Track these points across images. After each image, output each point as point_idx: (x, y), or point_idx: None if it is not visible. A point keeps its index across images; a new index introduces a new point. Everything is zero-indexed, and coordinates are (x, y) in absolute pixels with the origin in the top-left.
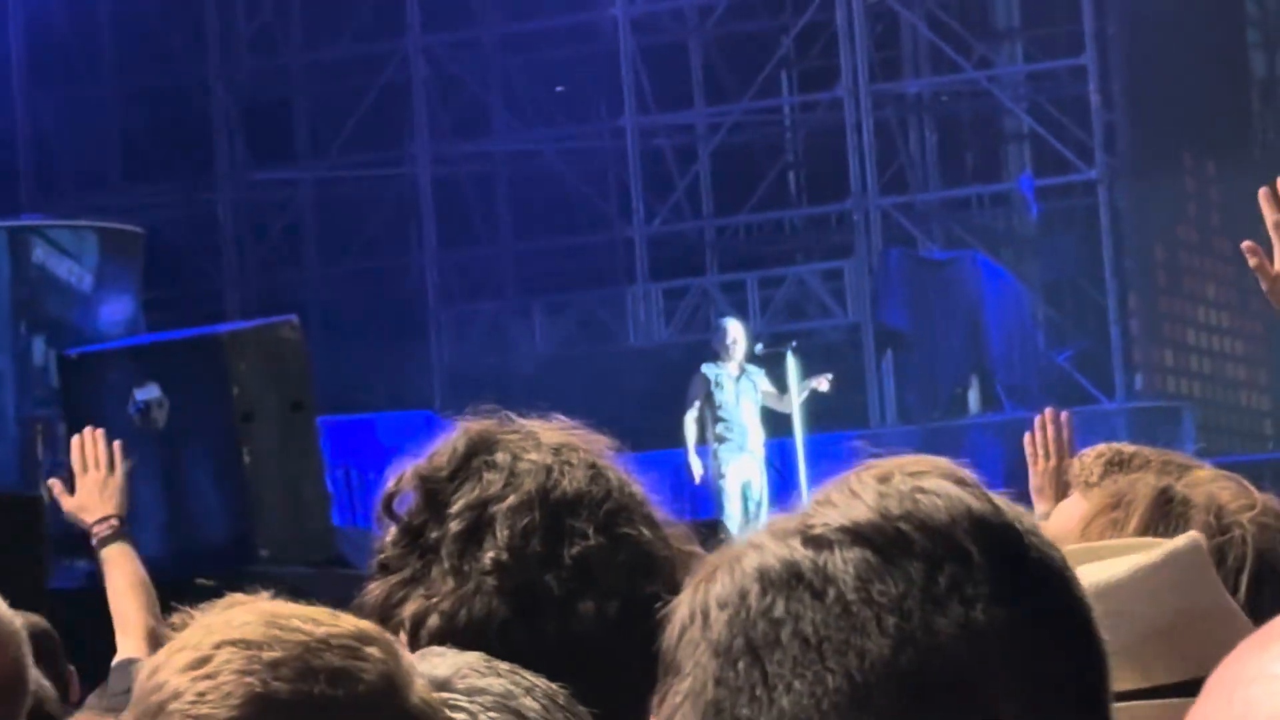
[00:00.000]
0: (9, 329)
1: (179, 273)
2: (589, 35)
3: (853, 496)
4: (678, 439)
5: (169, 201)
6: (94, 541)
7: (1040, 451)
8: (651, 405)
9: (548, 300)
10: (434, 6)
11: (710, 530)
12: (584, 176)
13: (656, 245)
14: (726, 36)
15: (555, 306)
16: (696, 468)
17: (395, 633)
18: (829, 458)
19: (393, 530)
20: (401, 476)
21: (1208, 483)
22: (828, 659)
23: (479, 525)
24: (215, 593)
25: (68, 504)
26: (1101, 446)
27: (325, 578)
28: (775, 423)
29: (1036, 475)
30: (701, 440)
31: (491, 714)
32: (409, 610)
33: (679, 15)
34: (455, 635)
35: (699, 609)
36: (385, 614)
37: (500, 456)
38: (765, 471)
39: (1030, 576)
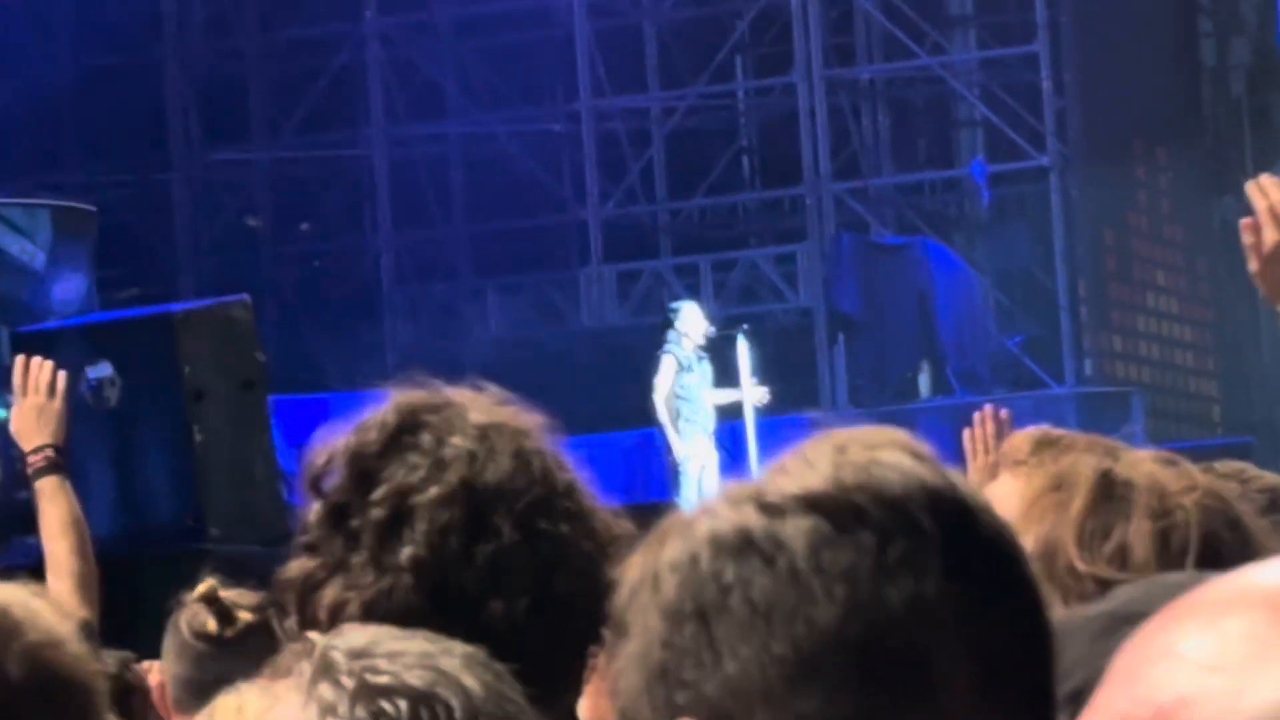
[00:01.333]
0: None
1: (133, 252)
2: (544, 19)
3: (808, 466)
4: (631, 420)
5: (123, 181)
6: (29, 471)
7: (980, 447)
8: (605, 387)
9: (501, 282)
10: None
11: (663, 512)
12: (538, 159)
13: (610, 228)
14: (681, 21)
15: (509, 288)
16: (678, 448)
17: (315, 613)
18: (779, 440)
19: (317, 508)
20: (330, 454)
21: (1148, 463)
22: (775, 626)
23: (399, 516)
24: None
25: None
26: (1031, 428)
27: (276, 556)
28: (726, 405)
29: (974, 470)
30: (658, 422)
31: (415, 672)
32: (329, 596)
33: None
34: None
35: (650, 571)
36: (305, 595)
37: (425, 438)
38: (717, 453)
39: (982, 552)
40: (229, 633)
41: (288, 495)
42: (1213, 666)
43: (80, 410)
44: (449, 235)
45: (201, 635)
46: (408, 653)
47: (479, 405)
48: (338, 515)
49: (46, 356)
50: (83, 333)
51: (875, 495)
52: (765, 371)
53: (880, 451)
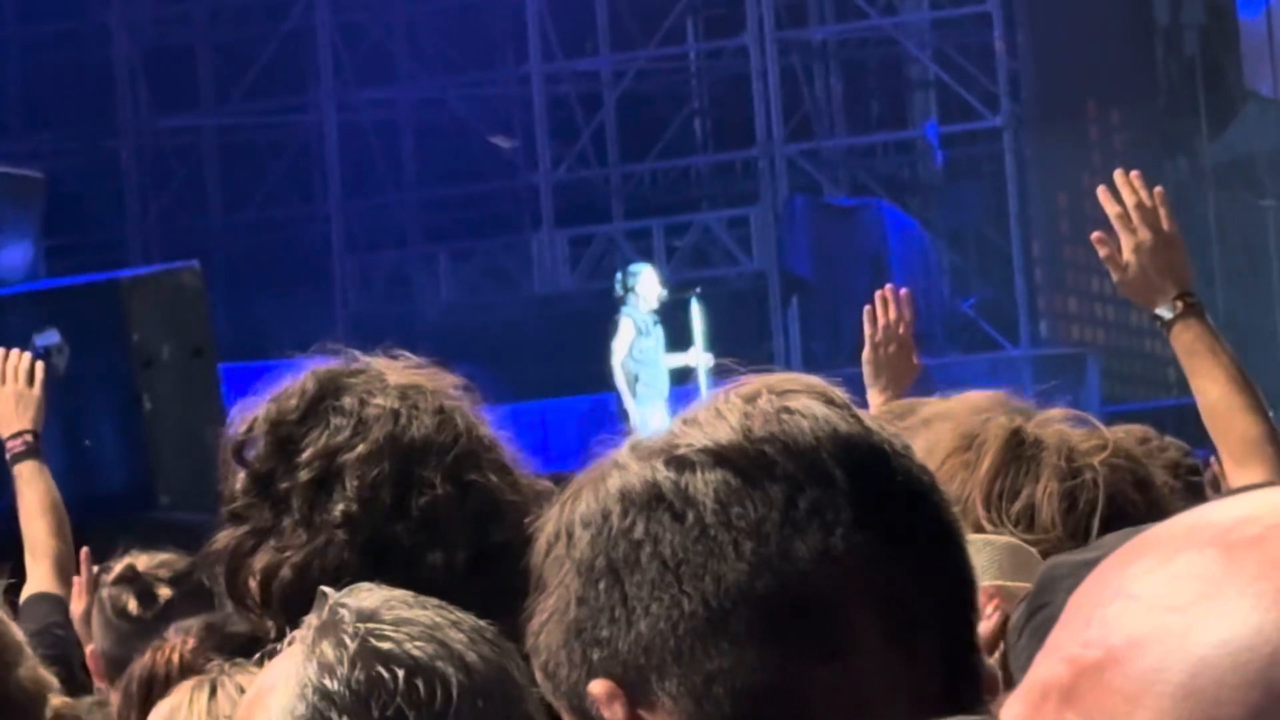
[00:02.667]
0: None
1: (81, 219)
2: None
3: (718, 417)
4: (584, 385)
5: (71, 148)
6: (7, 457)
7: (881, 334)
8: (557, 352)
9: (452, 247)
10: None
11: None
12: (489, 123)
13: (562, 192)
14: None
15: (460, 254)
16: (635, 413)
17: (245, 583)
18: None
19: (241, 477)
20: (251, 422)
21: (1058, 422)
22: (685, 582)
23: (328, 475)
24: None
25: None
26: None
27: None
28: (679, 369)
29: (871, 353)
30: (612, 388)
31: (418, 643)
32: (260, 562)
33: None
34: (308, 587)
35: (564, 527)
36: (234, 564)
37: (348, 401)
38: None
39: (895, 500)
40: (149, 614)
41: None
42: (1163, 606)
43: None
44: (399, 201)
45: (123, 614)
46: (415, 621)
47: (396, 369)
48: (263, 482)
49: None
50: (30, 300)
51: (784, 446)
52: (719, 335)
53: (792, 399)
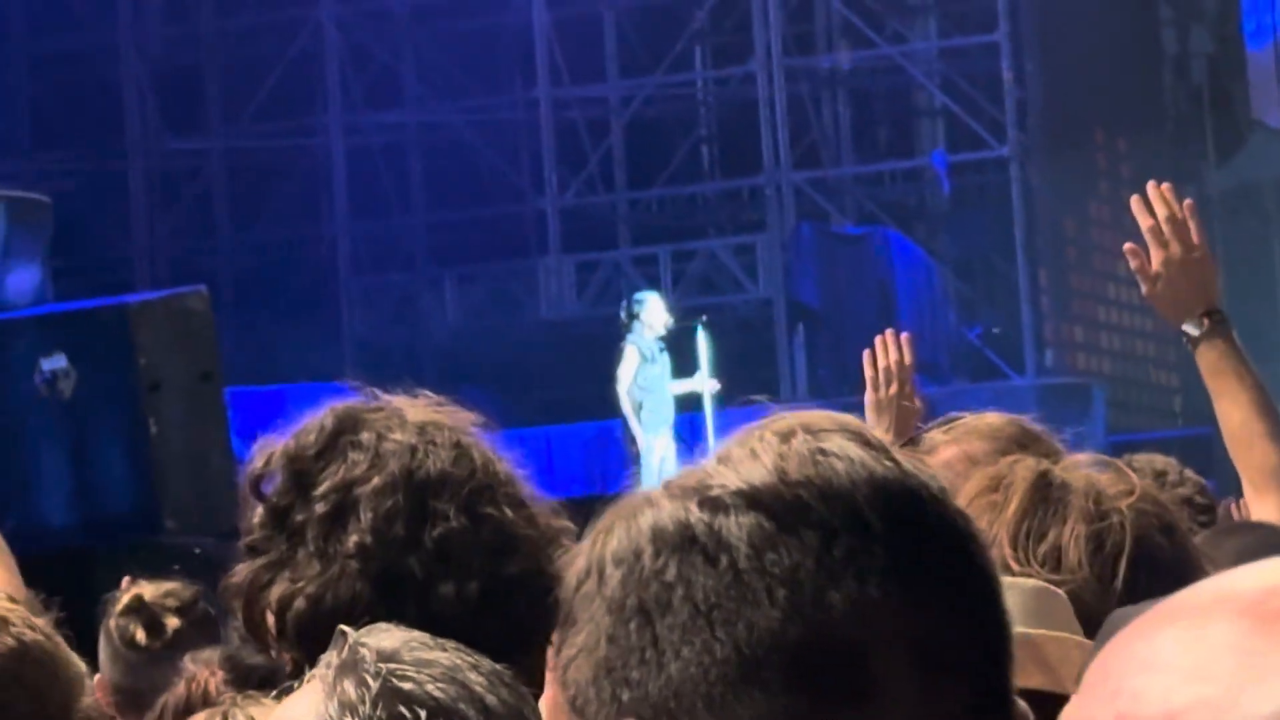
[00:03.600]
0: None
1: (88, 242)
2: (502, 6)
3: (752, 456)
4: (589, 412)
5: (78, 169)
6: None
7: (882, 377)
8: (563, 378)
9: (459, 271)
10: None
11: None
12: (496, 148)
13: (569, 218)
14: (640, 9)
15: (466, 278)
16: (641, 439)
17: (262, 615)
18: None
19: (259, 511)
20: (269, 456)
21: (1085, 466)
22: (717, 628)
23: (344, 508)
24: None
25: None
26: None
27: (232, 548)
28: (686, 397)
29: (872, 395)
30: (618, 414)
31: (440, 684)
32: (275, 594)
33: None
34: (321, 618)
35: (595, 563)
36: (251, 596)
37: (365, 436)
38: (675, 445)
39: (931, 546)
40: (157, 644)
41: None
42: (1200, 677)
43: (35, 401)
44: (406, 224)
45: (131, 644)
46: (436, 663)
47: (416, 406)
48: (280, 516)
49: (0, 348)
50: (37, 324)
51: (819, 490)
52: (725, 362)
53: (827, 439)
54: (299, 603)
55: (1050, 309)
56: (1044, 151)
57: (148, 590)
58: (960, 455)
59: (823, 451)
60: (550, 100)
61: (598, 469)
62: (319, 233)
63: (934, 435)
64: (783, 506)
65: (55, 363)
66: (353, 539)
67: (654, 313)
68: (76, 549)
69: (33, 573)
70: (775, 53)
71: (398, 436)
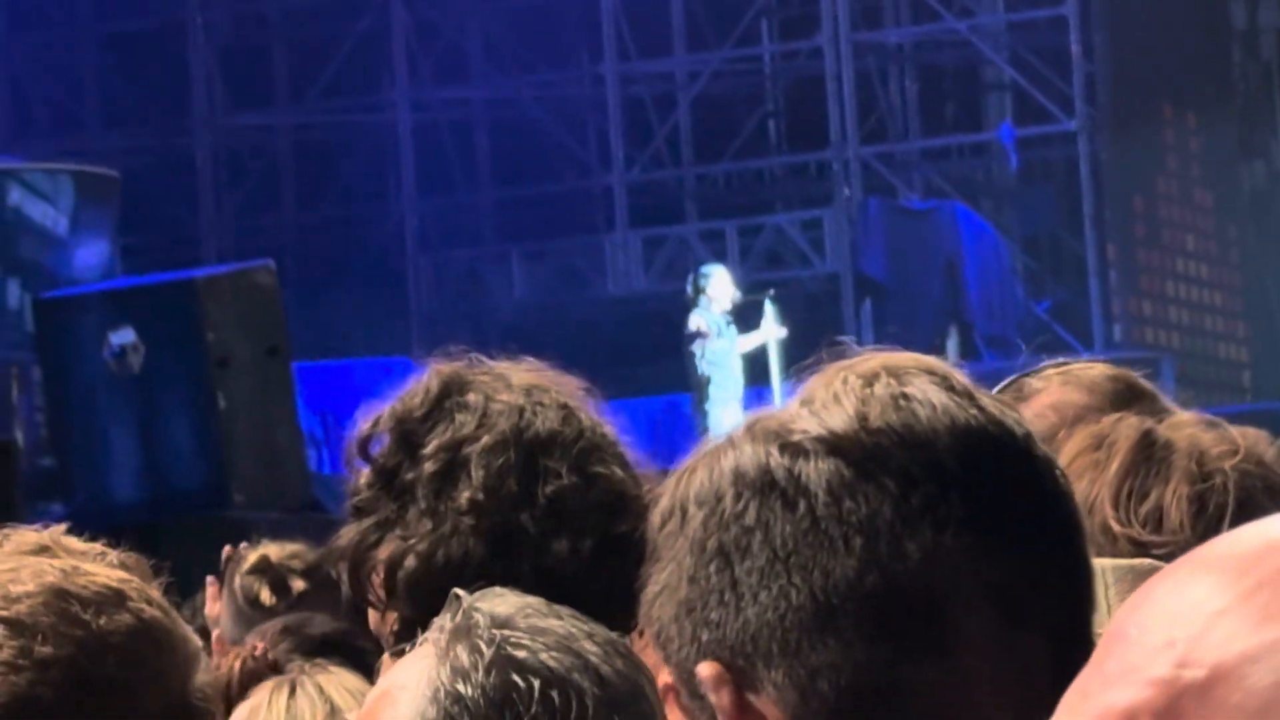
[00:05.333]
0: None
1: (155, 217)
2: None
3: (835, 401)
4: (657, 387)
5: (146, 146)
6: None
7: None
8: (630, 353)
9: (526, 247)
10: None
11: None
12: (563, 124)
13: (635, 193)
14: None
15: (533, 254)
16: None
17: (369, 576)
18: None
19: (366, 473)
20: (376, 419)
21: (1190, 426)
22: (794, 574)
23: (454, 466)
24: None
25: None
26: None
27: (299, 523)
28: (754, 371)
29: None
30: (688, 387)
31: (554, 653)
32: (385, 552)
33: None
34: (432, 576)
35: (678, 502)
36: (359, 557)
37: (473, 397)
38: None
39: (1011, 495)
40: (282, 605)
41: (312, 461)
42: (1265, 620)
43: (104, 376)
44: (473, 200)
45: (255, 603)
46: (550, 631)
47: (519, 370)
48: (388, 476)
49: (70, 323)
50: (106, 299)
51: (900, 437)
52: (792, 337)
53: (910, 383)
54: (410, 560)
55: (1118, 283)
56: (1112, 126)
57: (273, 550)
58: (1051, 405)
59: (905, 397)
60: (617, 75)
61: (665, 444)
62: (386, 209)
63: (1030, 381)
64: (862, 453)
65: (124, 337)
66: (465, 495)
67: (720, 287)
68: (145, 524)
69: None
70: (843, 27)
71: (504, 397)
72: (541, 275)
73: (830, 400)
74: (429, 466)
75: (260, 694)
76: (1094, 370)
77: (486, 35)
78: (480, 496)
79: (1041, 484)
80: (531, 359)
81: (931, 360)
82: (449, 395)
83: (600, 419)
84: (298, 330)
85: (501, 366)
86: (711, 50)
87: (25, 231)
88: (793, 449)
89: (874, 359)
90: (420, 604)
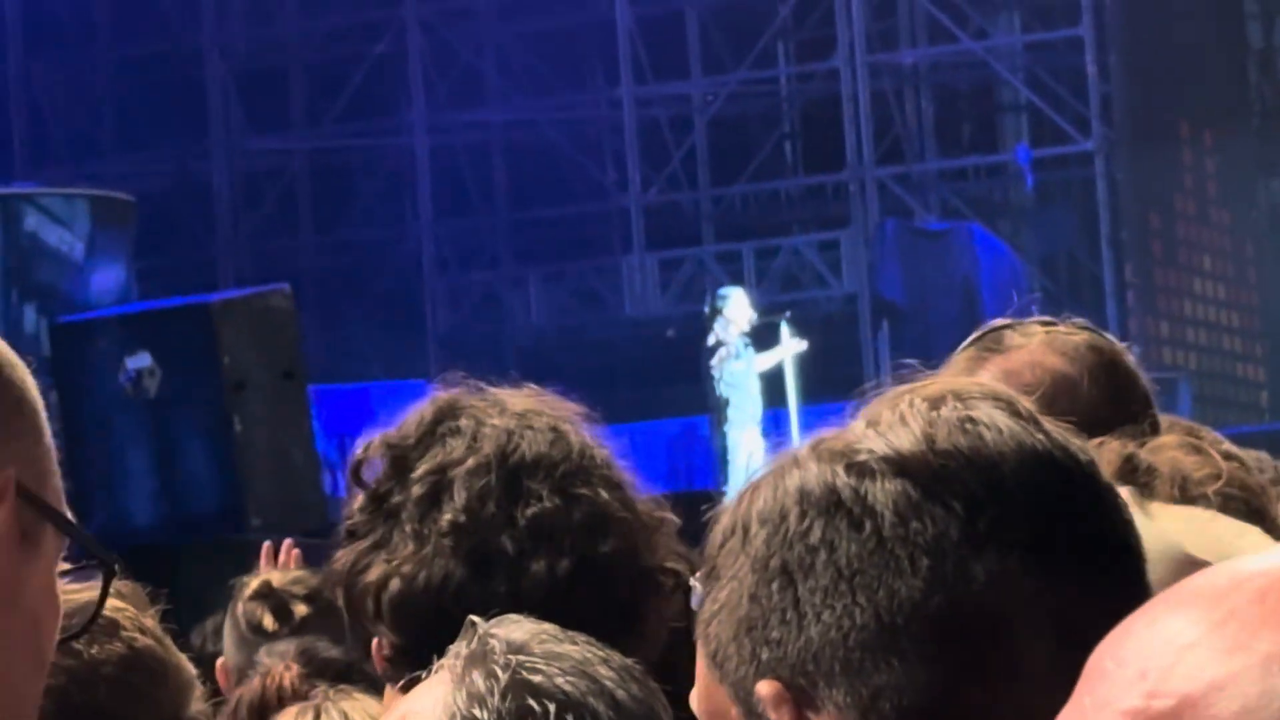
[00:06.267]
0: (0, 297)
1: (172, 241)
2: (585, 4)
3: (901, 423)
4: (674, 409)
5: (162, 169)
6: None
7: None
8: (647, 375)
9: (543, 270)
10: None
11: (706, 501)
12: (580, 146)
13: (652, 215)
14: (723, 6)
15: (551, 276)
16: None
17: (362, 599)
18: (824, 427)
19: (360, 497)
20: (369, 444)
21: (1172, 449)
22: (858, 594)
23: (439, 489)
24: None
25: None
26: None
27: (317, 547)
28: (771, 393)
29: None
30: (705, 409)
31: (570, 678)
32: (372, 575)
33: None
34: (415, 597)
35: (740, 521)
36: (351, 580)
37: (464, 422)
38: (764, 442)
39: (1076, 522)
40: (285, 630)
41: (329, 485)
42: (1233, 650)
43: (120, 400)
44: (490, 223)
45: (258, 629)
46: (566, 656)
47: (518, 396)
48: (379, 500)
49: (86, 347)
50: (122, 323)
51: (967, 460)
52: (808, 358)
53: (976, 408)
54: (394, 583)
55: (1135, 303)
56: (1129, 146)
57: (276, 576)
58: (1029, 363)
59: (971, 420)
60: (633, 98)
61: (682, 466)
62: (403, 232)
63: (1012, 334)
64: (929, 475)
65: (140, 361)
66: (446, 518)
67: (738, 309)
68: (161, 547)
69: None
70: (858, 48)
71: (496, 421)
72: (558, 297)
73: (896, 422)
74: (416, 490)
75: (285, 719)
76: (1078, 337)
77: (503, 58)
78: (461, 519)
79: (1104, 510)
80: (533, 385)
81: (996, 386)
82: (443, 420)
83: (593, 442)
84: (314, 353)
85: (502, 393)
86: (728, 72)
87: (42, 256)
88: (859, 468)
89: (938, 383)
90: (405, 626)
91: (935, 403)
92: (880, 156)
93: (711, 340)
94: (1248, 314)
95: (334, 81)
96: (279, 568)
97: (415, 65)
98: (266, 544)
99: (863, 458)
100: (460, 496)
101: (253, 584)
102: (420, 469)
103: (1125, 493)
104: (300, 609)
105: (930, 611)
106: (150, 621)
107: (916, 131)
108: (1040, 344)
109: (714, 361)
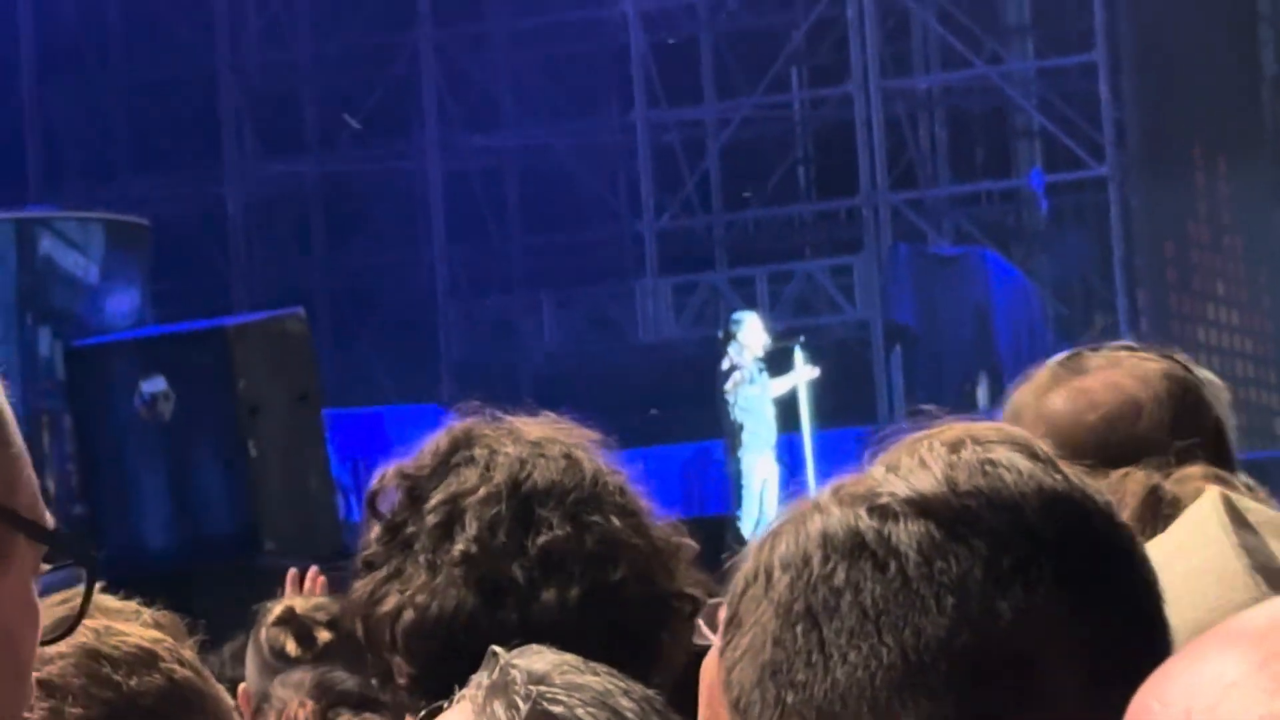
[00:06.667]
0: (15, 321)
1: (187, 265)
2: (599, 30)
3: (921, 466)
4: (687, 434)
5: (177, 193)
6: None
7: None
8: (661, 400)
9: (556, 294)
10: None
11: (720, 526)
12: (593, 171)
13: (666, 240)
14: (737, 32)
15: (564, 301)
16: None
17: (380, 629)
18: (837, 453)
19: (376, 528)
20: (385, 474)
21: (1197, 480)
22: (884, 633)
23: (452, 518)
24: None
25: None
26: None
27: (331, 570)
28: (784, 418)
29: None
30: (718, 435)
31: (590, 709)
32: (388, 606)
33: (690, 10)
34: (428, 627)
35: (763, 567)
36: (368, 611)
37: (478, 451)
38: (778, 468)
39: (1098, 560)
40: (308, 655)
41: (343, 509)
42: (1278, 689)
43: (135, 424)
44: (504, 247)
45: (281, 655)
46: (587, 687)
47: (534, 425)
48: (395, 531)
49: (101, 371)
50: (137, 346)
51: (989, 500)
52: (822, 383)
53: (994, 450)
54: (408, 613)
55: (1149, 329)
56: (1142, 171)
57: (299, 602)
58: (1106, 384)
59: (991, 462)
60: (647, 123)
61: (696, 491)
62: (416, 256)
63: (1092, 356)
64: (952, 515)
65: (155, 385)
66: (458, 548)
67: (752, 333)
68: (176, 572)
69: (133, 596)
70: (872, 73)
71: (509, 450)
72: (572, 322)
73: (916, 465)
74: (430, 520)
75: None
76: (1155, 364)
77: (517, 82)
78: (473, 548)
79: (1124, 547)
80: (550, 413)
81: (1013, 430)
82: (457, 449)
83: (607, 468)
84: (328, 377)
85: (518, 420)
86: (741, 97)
87: (57, 280)
88: (881, 511)
89: (956, 428)
90: (419, 656)
91: (954, 446)
92: (894, 181)
93: (725, 365)
94: (1261, 340)
95: (347, 105)
96: (304, 594)
97: (429, 89)
98: (292, 571)
99: (884, 500)
100: (472, 526)
101: (276, 610)
102: (434, 499)
103: (1216, 495)
104: (323, 635)
105: (958, 649)
106: (189, 652)
107: (930, 156)
108: (1117, 367)
109: (728, 386)
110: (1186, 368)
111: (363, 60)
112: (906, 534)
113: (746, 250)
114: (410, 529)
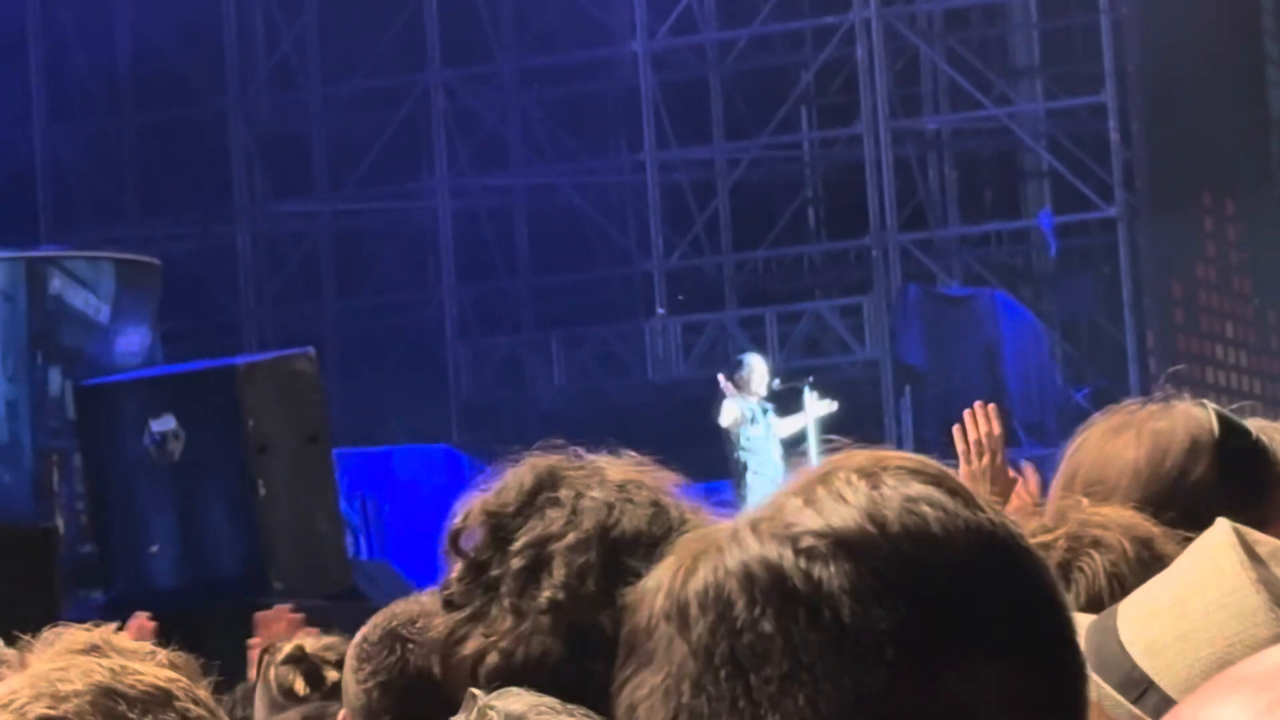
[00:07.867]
0: (25, 359)
1: (196, 304)
2: (608, 70)
3: (839, 500)
4: (695, 473)
5: (187, 233)
6: None
7: (973, 449)
8: (670, 440)
9: (565, 334)
10: (453, 40)
11: None
12: (602, 211)
13: (675, 280)
14: (746, 72)
15: (573, 340)
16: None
17: (458, 670)
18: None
19: (458, 566)
20: (469, 512)
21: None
22: (821, 683)
23: (539, 562)
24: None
25: None
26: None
27: (339, 610)
28: (793, 459)
29: (967, 471)
30: (726, 475)
31: None
32: (470, 648)
33: (699, 51)
34: (513, 673)
35: (676, 603)
36: (448, 650)
37: (564, 493)
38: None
39: (1030, 600)
40: (316, 695)
41: (351, 548)
42: None
43: (144, 463)
44: (512, 287)
45: (290, 694)
46: None
47: (617, 465)
48: (478, 570)
49: (110, 410)
50: (146, 386)
51: (919, 541)
52: (831, 424)
53: (911, 485)
54: (492, 657)
55: (1158, 371)
56: (1151, 213)
57: (309, 642)
58: (1156, 431)
59: (912, 499)
60: (656, 163)
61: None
62: (425, 296)
63: (1153, 408)
64: (881, 560)
65: (164, 424)
66: (545, 594)
67: (756, 374)
68: (184, 611)
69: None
70: (881, 114)
71: (596, 494)
72: (581, 361)
73: (834, 498)
74: (516, 563)
75: None
76: (1208, 418)
77: (526, 123)
78: (561, 596)
79: (1049, 584)
80: (631, 453)
81: (925, 459)
82: (541, 490)
83: (694, 513)
84: (337, 416)
85: (601, 460)
86: (751, 137)
87: (67, 319)
88: (807, 553)
89: (862, 454)
90: None
91: (871, 479)
92: (903, 222)
93: (724, 421)
94: (1270, 381)
95: (357, 145)
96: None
97: (438, 130)
98: (258, 614)
99: (809, 541)
100: (559, 573)
101: (286, 648)
102: (519, 541)
103: (1228, 526)
104: (332, 675)
105: (901, 699)
106: (204, 693)
107: (939, 197)
108: (1171, 418)
109: (722, 421)
110: (1235, 421)
111: (372, 101)
112: (838, 578)
113: (756, 290)
114: (495, 571)
